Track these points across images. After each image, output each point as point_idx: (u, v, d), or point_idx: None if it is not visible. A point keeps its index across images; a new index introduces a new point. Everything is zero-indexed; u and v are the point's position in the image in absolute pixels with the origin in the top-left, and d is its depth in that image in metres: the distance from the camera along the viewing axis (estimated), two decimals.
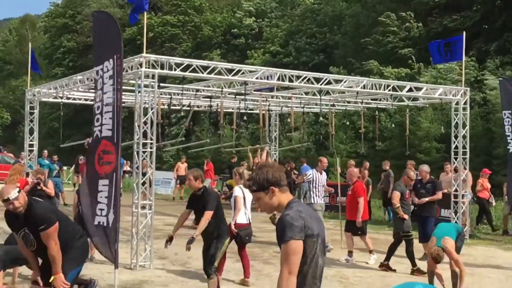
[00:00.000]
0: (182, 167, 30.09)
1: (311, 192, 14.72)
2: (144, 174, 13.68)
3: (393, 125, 29.55)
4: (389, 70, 35.18)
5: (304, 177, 14.85)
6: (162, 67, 14.23)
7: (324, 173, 15.15)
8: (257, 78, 15.88)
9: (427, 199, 14.35)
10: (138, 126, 13.39)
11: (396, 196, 13.06)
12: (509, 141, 16.41)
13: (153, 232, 13.80)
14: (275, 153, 25.78)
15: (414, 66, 35.23)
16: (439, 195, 14.58)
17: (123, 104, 14.81)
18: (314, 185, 14.72)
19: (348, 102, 22.68)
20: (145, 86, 14.18)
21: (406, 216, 12.87)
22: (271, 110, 25.07)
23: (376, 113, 22.86)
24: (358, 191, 14.21)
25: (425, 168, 14.76)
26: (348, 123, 30.42)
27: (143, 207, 13.61)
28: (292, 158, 29.26)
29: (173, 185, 31.62)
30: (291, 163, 24.43)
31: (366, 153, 27.17)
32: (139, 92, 13.63)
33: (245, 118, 19.57)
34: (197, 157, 38.95)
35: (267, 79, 16.02)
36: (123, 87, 12.67)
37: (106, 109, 10.49)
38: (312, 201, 14.62)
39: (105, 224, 10.04)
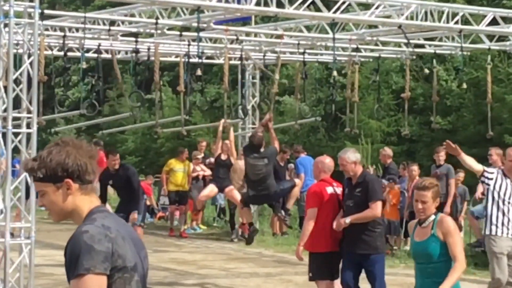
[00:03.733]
0: None
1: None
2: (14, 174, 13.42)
3: (463, 86, 21.35)
4: None
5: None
6: None
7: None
8: (219, 0, 13.24)
9: None
10: (5, 87, 11.33)
11: None
12: None
13: (34, 280, 11.64)
14: None
15: None
16: None
17: None
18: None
19: (383, 44, 18.75)
20: (17, 16, 11.88)
21: None
22: (246, 60, 19.81)
23: (433, 64, 18.00)
24: None
25: None
26: (381, 82, 22.70)
27: (15, 235, 11.95)
28: (286, 144, 23.14)
29: None
30: (286, 152, 18.85)
31: (414, 135, 23.18)
32: (5, 26, 11.55)
33: (198, 73, 15.60)
34: (113, 142, 33.52)
35: (238, 1, 13.39)
36: None
37: None
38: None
39: None
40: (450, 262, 6.57)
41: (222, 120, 15.89)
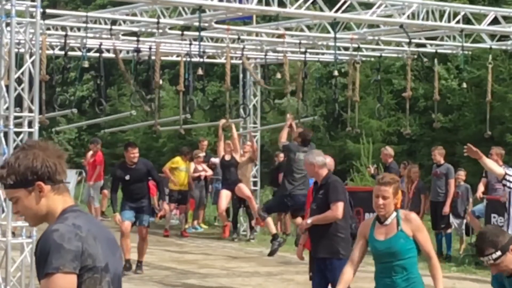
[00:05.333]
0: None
1: None
2: None
3: (463, 85, 21.52)
4: None
5: None
6: None
7: None
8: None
9: None
10: (6, 87, 11.34)
11: None
12: None
13: (35, 279, 11.27)
14: (254, 135, 20.10)
15: None
16: None
17: None
18: None
19: (384, 43, 18.84)
20: (18, 15, 11.87)
21: None
22: (248, 59, 19.79)
23: (434, 63, 18.11)
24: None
25: None
26: (383, 81, 22.48)
27: (16, 234, 12.14)
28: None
29: (78, 194, 24.06)
30: (278, 156, 18.91)
31: (415, 135, 22.87)
32: (7, 25, 11.71)
33: (200, 72, 15.49)
34: (114, 141, 33.16)
35: (239, 1, 13.42)
36: None
37: None
38: None
39: None
40: (415, 257, 6.44)
41: (223, 120, 15.92)
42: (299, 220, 12.46)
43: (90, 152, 20.77)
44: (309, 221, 9.26)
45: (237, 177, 15.42)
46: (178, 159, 18.66)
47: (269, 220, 13.27)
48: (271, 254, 13.16)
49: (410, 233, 6.41)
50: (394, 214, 6.21)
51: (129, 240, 12.65)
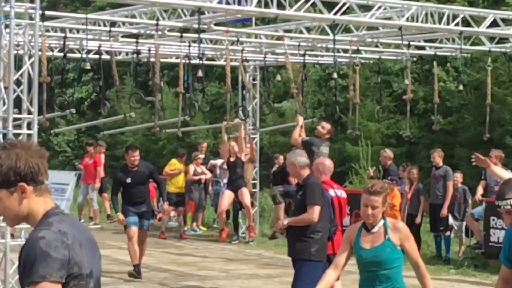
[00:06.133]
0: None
1: None
2: None
3: (460, 87, 20.75)
4: None
5: None
6: None
7: None
8: (220, 1, 13.09)
9: None
10: (5, 88, 11.31)
11: None
12: None
13: None
14: (254, 138, 20.03)
15: None
16: None
17: None
18: None
19: (383, 46, 18.51)
20: (17, 17, 11.83)
21: None
22: (247, 61, 19.86)
23: (433, 65, 18.25)
24: None
25: None
26: (382, 84, 22.28)
27: (15, 236, 11.94)
28: (285, 147, 23.17)
29: (77, 196, 22.97)
30: (278, 158, 18.87)
31: (415, 137, 22.82)
32: (6, 27, 11.60)
33: (200, 74, 15.50)
34: (113, 143, 32.61)
35: (239, 3, 13.17)
36: None
37: None
38: None
39: None
40: (401, 267, 6.24)
41: (224, 123, 15.92)
42: None
43: (97, 153, 20.63)
44: (285, 221, 9.28)
45: (242, 179, 15.45)
46: (174, 161, 18.63)
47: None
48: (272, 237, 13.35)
49: (398, 242, 6.24)
50: (382, 222, 6.03)
51: (137, 245, 12.60)
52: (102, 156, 20.94)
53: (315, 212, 8.73)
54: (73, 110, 14.09)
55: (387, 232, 6.11)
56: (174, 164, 18.18)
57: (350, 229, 6.50)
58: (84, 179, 20.67)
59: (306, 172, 9.04)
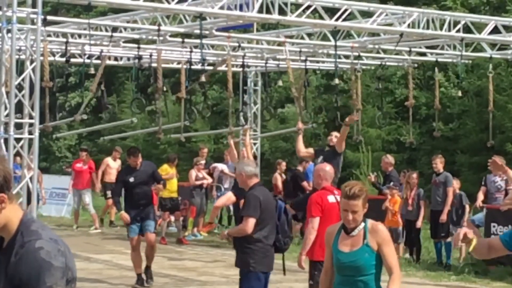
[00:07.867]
0: (113, 167, 21.26)
1: None
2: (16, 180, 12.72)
3: (459, 94, 20.31)
4: None
5: None
6: None
7: None
8: (221, 7, 13.05)
9: None
10: (7, 93, 11.42)
11: None
12: None
13: None
14: (255, 143, 20.19)
15: None
16: None
17: None
18: None
19: (385, 52, 18.67)
20: (20, 21, 11.93)
21: None
22: (248, 66, 19.93)
23: (434, 71, 18.31)
24: None
25: None
26: (383, 89, 22.20)
27: None
28: (286, 153, 23.46)
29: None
30: (280, 164, 18.97)
31: (416, 143, 22.38)
32: (8, 32, 11.70)
33: (202, 79, 15.56)
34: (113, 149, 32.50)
35: (240, 8, 13.25)
36: None
37: None
38: None
39: None
40: (379, 274, 5.98)
41: (229, 136, 16.08)
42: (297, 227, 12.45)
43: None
44: (226, 232, 9.60)
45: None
46: (165, 166, 18.50)
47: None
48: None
49: (375, 246, 5.95)
50: (362, 225, 5.77)
51: (139, 253, 12.44)
52: (119, 161, 20.86)
53: (248, 224, 8.77)
54: (85, 116, 13.94)
55: (366, 236, 5.86)
56: (166, 170, 18.01)
57: (328, 232, 6.24)
58: (75, 184, 20.49)
59: (252, 182, 9.05)
